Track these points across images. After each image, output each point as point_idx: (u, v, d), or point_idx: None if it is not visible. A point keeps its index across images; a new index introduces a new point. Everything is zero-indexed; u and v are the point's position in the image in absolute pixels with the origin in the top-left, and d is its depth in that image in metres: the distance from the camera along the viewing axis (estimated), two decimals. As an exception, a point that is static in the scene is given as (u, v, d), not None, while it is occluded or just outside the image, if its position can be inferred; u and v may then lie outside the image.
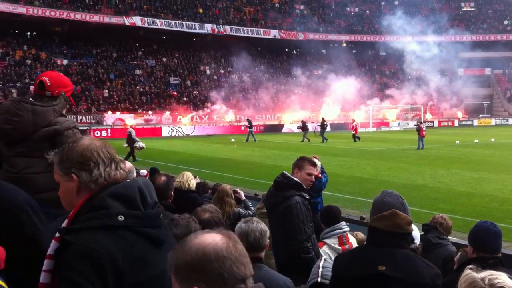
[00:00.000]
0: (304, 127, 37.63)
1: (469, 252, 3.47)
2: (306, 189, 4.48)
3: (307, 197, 4.36)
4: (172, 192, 4.90)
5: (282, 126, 49.37)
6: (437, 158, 24.10)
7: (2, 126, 3.08)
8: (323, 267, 3.46)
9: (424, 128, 29.14)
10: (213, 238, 1.48)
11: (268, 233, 3.28)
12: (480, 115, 62.60)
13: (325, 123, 37.61)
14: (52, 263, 1.83)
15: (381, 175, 18.42)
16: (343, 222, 4.83)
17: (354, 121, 38.64)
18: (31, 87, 40.64)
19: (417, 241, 4.14)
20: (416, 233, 4.13)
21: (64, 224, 1.90)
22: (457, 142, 32.38)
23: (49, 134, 3.12)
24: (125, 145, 23.73)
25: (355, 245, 4.64)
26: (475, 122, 59.50)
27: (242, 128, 39.12)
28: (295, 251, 4.14)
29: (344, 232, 4.69)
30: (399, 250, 2.73)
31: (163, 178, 4.47)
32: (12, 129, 3.07)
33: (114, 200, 1.87)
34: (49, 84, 3.29)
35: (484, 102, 66.32)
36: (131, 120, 38.80)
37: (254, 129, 37.84)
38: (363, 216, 9.02)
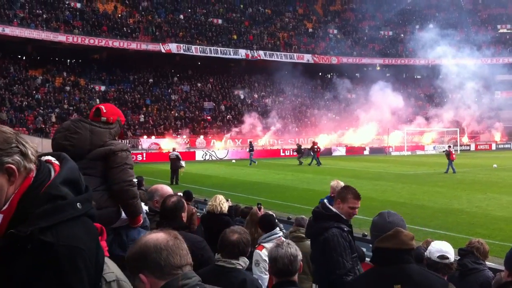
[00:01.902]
0: (299, 151, 37.60)
1: (505, 276, 3.43)
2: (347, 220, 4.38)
3: (345, 228, 4.23)
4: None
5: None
6: (474, 182, 23.67)
7: (61, 142, 3.24)
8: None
9: (453, 152, 29.14)
10: (156, 235, 1.88)
11: (299, 257, 3.27)
12: (519, 138, 61.20)
13: (316, 146, 37.17)
14: None
15: (416, 199, 18.18)
16: (278, 228, 5.53)
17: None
18: (77, 113, 41.76)
19: (451, 256, 4.11)
20: (449, 249, 4.12)
21: None
22: (495, 165, 31.73)
23: (105, 153, 3.25)
24: (182, 168, 24.74)
25: None
26: (514, 145, 58.25)
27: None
28: (335, 284, 4.08)
29: (279, 236, 5.30)
30: (408, 266, 2.86)
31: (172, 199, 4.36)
32: (70, 145, 3.22)
33: (65, 186, 1.70)
34: (104, 111, 3.49)
35: (522, 125, 64.92)
36: (173, 143, 39.39)
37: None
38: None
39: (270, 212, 6.81)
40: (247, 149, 38.87)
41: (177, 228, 4.10)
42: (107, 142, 3.34)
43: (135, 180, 3.59)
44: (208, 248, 4.14)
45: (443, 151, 32.69)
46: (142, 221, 3.59)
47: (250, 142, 40.36)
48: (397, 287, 2.79)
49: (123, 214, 3.41)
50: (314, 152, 36.52)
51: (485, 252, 5.12)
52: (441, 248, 4.04)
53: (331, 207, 4.29)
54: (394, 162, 37.80)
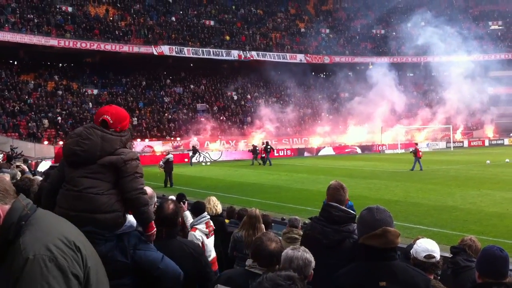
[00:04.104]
0: (254, 151, 38.02)
1: (476, 277, 3.45)
2: None
3: None
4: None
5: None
6: (468, 178, 23.76)
7: (72, 147, 3.30)
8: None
9: (420, 150, 30.17)
10: None
11: (313, 264, 3.26)
12: (511, 134, 61.46)
13: (269, 146, 37.90)
14: None
15: (410, 197, 18.24)
16: (206, 213, 6.40)
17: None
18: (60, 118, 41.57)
19: (437, 255, 4.12)
20: (434, 247, 4.14)
21: None
22: (488, 161, 31.91)
23: (116, 162, 3.31)
24: (161, 169, 24.49)
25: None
26: (506, 141, 58.61)
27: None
28: None
29: (208, 219, 6.25)
30: (393, 263, 2.98)
31: (171, 206, 4.11)
32: (81, 151, 3.28)
33: None
34: (111, 122, 3.50)
35: (515, 121, 65.16)
36: (167, 147, 39.33)
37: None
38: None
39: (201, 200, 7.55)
40: (191, 153, 39.73)
41: (176, 234, 4.09)
42: (117, 150, 3.38)
43: (146, 188, 3.63)
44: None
45: (410, 151, 33.13)
46: (154, 228, 3.60)
47: (193, 146, 41.34)
48: (382, 284, 2.88)
49: (127, 221, 3.42)
50: (268, 152, 37.14)
51: (477, 250, 5.11)
52: (427, 248, 4.05)
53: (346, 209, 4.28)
54: (388, 160, 37.92)
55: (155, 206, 4.58)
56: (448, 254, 5.14)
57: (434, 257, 4.00)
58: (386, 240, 2.93)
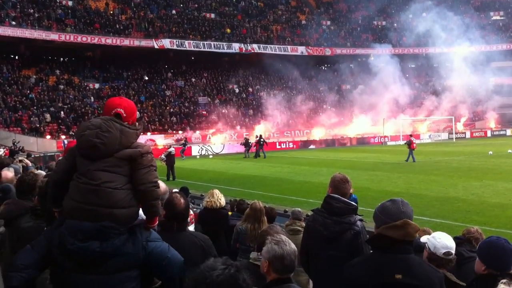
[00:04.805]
0: (246, 144, 38.01)
1: (479, 267, 3.43)
2: None
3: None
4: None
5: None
6: (470, 169, 23.76)
7: (92, 139, 3.24)
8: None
9: (414, 142, 30.22)
10: None
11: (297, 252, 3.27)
12: (514, 125, 61.40)
13: (262, 139, 38.03)
14: None
15: (412, 188, 18.26)
16: None
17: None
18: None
19: (454, 251, 4.12)
20: (453, 244, 4.12)
21: None
22: (490, 152, 31.93)
23: (134, 155, 3.30)
24: (162, 163, 24.45)
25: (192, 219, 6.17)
26: (508, 131, 58.51)
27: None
28: None
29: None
30: (409, 256, 2.97)
31: (182, 201, 4.12)
32: (101, 144, 3.24)
33: None
34: (125, 115, 3.51)
35: (517, 111, 65.04)
36: (168, 140, 39.45)
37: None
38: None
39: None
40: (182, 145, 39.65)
41: (185, 227, 4.14)
42: (133, 144, 3.38)
43: (160, 183, 3.64)
44: (213, 245, 4.17)
45: (404, 142, 33.18)
46: (157, 222, 3.63)
47: (185, 138, 41.57)
48: (398, 277, 2.87)
49: (139, 215, 3.44)
50: (261, 145, 37.22)
51: (483, 242, 5.11)
52: (446, 244, 4.01)
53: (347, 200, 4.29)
54: (390, 152, 37.92)
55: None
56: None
57: (452, 254, 4.00)
58: (406, 232, 2.92)
